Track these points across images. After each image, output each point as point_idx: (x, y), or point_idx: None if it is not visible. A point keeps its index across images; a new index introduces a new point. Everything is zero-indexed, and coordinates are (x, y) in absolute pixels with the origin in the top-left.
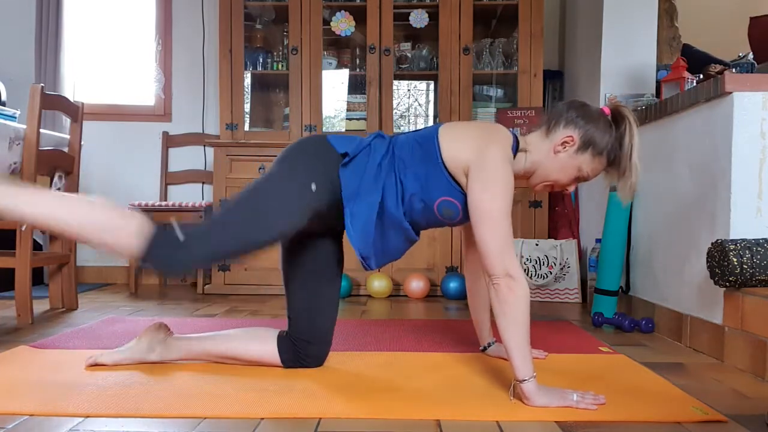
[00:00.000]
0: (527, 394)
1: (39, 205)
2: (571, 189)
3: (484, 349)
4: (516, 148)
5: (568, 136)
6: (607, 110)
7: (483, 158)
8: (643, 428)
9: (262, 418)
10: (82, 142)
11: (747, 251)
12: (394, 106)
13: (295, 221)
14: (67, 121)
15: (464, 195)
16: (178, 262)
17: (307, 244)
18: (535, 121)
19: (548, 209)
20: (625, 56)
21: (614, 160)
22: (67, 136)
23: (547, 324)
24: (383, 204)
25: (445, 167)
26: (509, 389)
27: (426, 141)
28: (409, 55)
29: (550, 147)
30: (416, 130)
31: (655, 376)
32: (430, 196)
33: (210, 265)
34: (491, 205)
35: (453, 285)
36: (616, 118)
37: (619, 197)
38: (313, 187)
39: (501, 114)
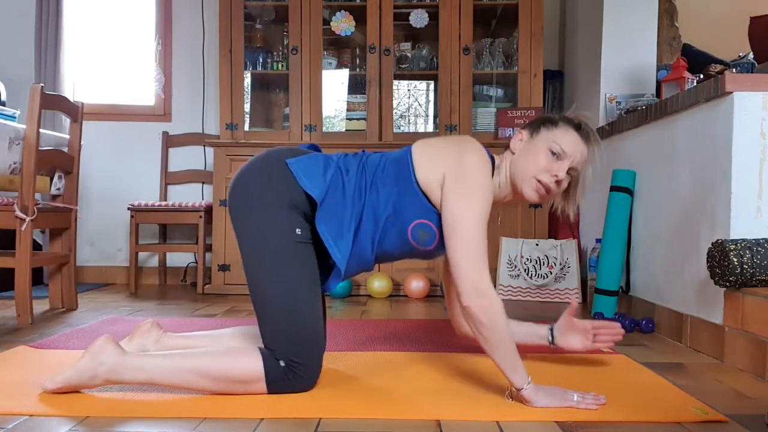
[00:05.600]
0: (528, 399)
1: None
2: (562, 175)
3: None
4: (492, 168)
5: (517, 135)
6: None
7: (459, 166)
8: (643, 428)
9: (262, 418)
10: (82, 142)
11: (747, 251)
12: (394, 106)
13: (312, 261)
14: (67, 121)
15: (437, 213)
16: (303, 384)
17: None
18: None
19: (548, 209)
20: (625, 56)
21: (578, 125)
22: (67, 136)
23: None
24: (356, 235)
25: (419, 186)
26: (505, 394)
27: (399, 160)
28: (409, 55)
29: (509, 153)
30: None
31: (655, 376)
32: (404, 219)
33: (318, 355)
34: (465, 215)
35: None
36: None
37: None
38: (298, 231)
39: (501, 114)
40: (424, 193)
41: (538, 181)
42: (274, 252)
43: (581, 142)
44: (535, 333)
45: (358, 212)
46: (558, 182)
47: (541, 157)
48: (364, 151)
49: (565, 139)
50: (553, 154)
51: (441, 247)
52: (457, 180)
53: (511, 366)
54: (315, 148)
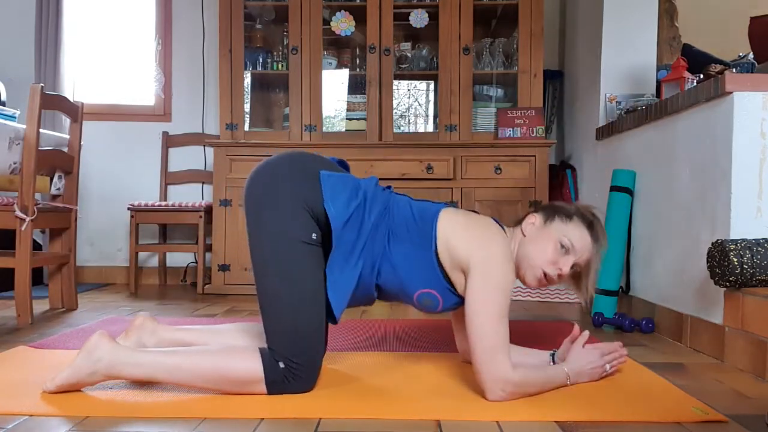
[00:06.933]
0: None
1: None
2: (566, 271)
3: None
4: None
5: (531, 217)
6: None
7: (487, 261)
8: (643, 428)
9: (262, 418)
10: (82, 142)
11: (747, 251)
12: (394, 106)
13: (320, 266)
14: (67, 121)
15: (449, 289)
16: (301, 386)
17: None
18: (536, 121)
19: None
20: (625, 56)
21: (590, 224)
22: (67, 136)
23: (547, 324)
24: (361, 274)
25: (438, 258)
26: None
27: (424, 221)
28: (409, 55)
29: (520, 232)
30: (417, 200)
31: (655, 376)
32: (411, 284)
33: (318, 357)
34: (489, 310)
35: None
36: None
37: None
38: (314, 236)
39: (501, 114)
40: (440, 264)
41: (541, 271)
42: (287, 249)
43: (590, 241)
44: (537, 361)
45: (369, 261)
46: (560, 276)
47: (550, 249)
48: (390, 187)
49: (576, 235)
50: (563, 247)
51: (443, 311)
52: (483, 275)
53: (548, 387)
54: (344, 164)
